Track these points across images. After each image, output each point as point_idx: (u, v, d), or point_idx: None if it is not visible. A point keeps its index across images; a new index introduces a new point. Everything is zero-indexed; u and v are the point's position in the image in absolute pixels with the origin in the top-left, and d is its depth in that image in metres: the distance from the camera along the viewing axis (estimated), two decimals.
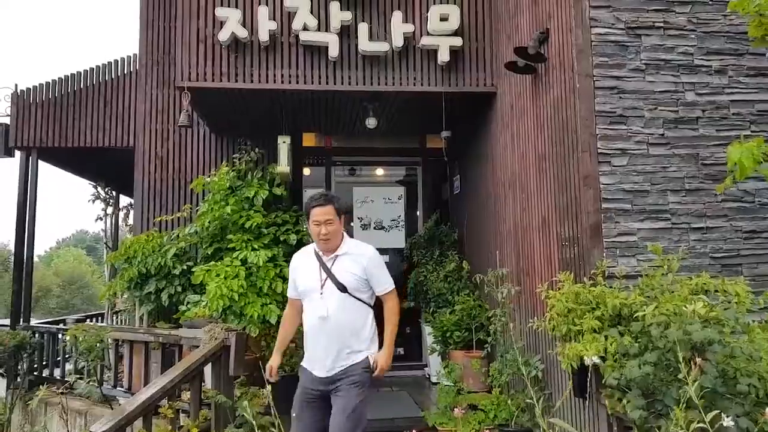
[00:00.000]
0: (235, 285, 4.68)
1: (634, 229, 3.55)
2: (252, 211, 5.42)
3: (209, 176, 5.75)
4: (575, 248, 3.65)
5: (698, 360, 1.77)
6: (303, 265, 3.12)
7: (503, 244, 5.05)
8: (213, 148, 6.59)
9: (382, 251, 6.89)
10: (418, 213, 6.99)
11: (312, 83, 5.05)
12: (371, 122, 5.71)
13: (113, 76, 6.98)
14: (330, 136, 6.85)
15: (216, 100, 5.40)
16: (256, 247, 5.16)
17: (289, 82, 5.03)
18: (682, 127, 3.69)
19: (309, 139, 6.87)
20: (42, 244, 53.07)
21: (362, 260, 3.02)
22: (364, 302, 3.04)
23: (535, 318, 3.74)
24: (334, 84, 5.06)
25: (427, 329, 6.03)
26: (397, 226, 6.86)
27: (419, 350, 6.54)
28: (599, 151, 3.58)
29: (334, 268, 3.00)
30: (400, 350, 6.70)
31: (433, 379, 6.00)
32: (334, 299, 2.97)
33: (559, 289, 3.31)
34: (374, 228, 6.82)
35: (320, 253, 3.04)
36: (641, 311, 2.70)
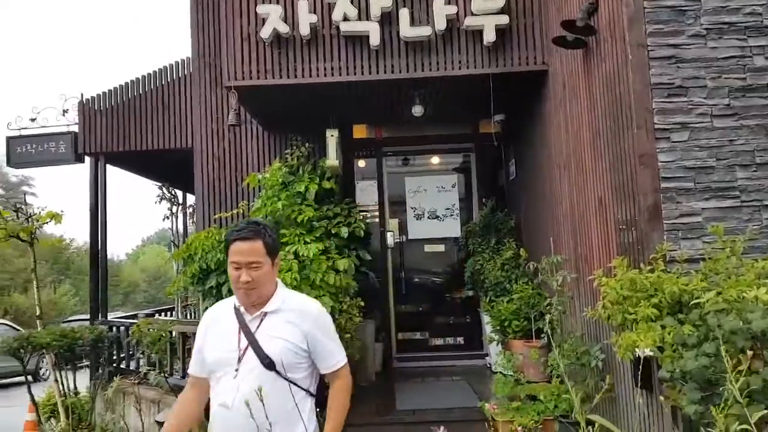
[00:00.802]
0: (288, 278, 4.73)
1: (697, 209, 3.30)
2: (303, 205, 5.46)
3: (262, 173, 5.85)
4: (633, 232, 3.44)
5: (750, 352, 1.61)
6: (215, 327, 2.19)
7: (560, 230, 4.86)
8: (265, 144, 6.70)
9: (437, 241, 6.93)
10: (472, 200, 6.85)
11: (354, 74, 5.02)
12: (417, 110, 5.62)
13: (169, 80, 7.22)
14: (379, 127, 6.81)
15: (262, 97, 5.47)
16: (308, 240, 5.20)
17: (332, 75, 5.02)
18: (750, 95, 3.38)
19: (359, 131, 6.85)
20: (129, 243, 56.14)
21: (303, 321, 2.12)
22: (299, 386, 2.09)
23: (589, 307, 3.57)
24: (377, 73, 5.00)
25: (485, 318, 5.92)
26: (451, 215, 6.75)
27: (479, 339, 6.44)
28: (656, 126, 3.35)
29: (259, 333, 2.10)
30: (460, 339, 6.62)
31: (494, 369, 5.89)
32: (252, 379, 2.00)
33: (614, 275, 3.13)
34: (428, 217, 6.74)
35: (241, 310, 2.14)
36: (701, 298, 2.51)
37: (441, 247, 6.75)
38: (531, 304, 5.17)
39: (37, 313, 6.32)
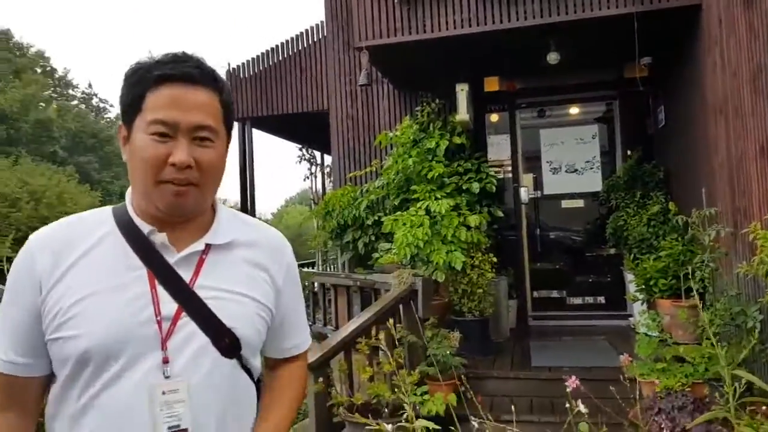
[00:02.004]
0: (420, 233, 4.83)
1: None
2: (434, 161, 5.49)
3: (393, 131, 5.95)
4: None
5: None
6: (81, 264, 1.08)
7: (714, 181, 4.43)
8: (396, 103, 6.78)
9: (575, 195, 6.62)
10: (615, 152, 6.42)
11: (485, 24, 4.87)
12: (553, 57, 5.33)
13: (306, 45, 7.52)
14: (512, 78, 6.57)
15: (393, 55, 5.51)
16: (438, 196, 5.24)
17: (462, 27, 4.92)
18: None
19: (490, 84, 6.67)
20: (274, 203, 60.20)
21: (274, 265, 1.23)
22: (252, 378, 1.22)
23: (744, 262, 3.25)
24: (508, 21, 4.81)
25: (628, 276, 5.61)
26: (591, 168, 6.39)
27: (621, 299, 6.13)
28: None
29: (201, 285, 1.12)
30: (601, 298, 6.35)
31: (637, 329, 5.60)
32: (200, 377, 1.08)
33: None
34: (566, 171, 6.44)
35: (154, 236, 1.11)
36: None
37: (580, 203, 6.44)
38: (680, 262, 4.81)
39: None
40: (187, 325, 1.08)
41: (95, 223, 1.13)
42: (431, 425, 2.19)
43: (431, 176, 5.36)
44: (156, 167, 1.05)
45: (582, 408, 1.83)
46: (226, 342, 1.10)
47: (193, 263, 1.12)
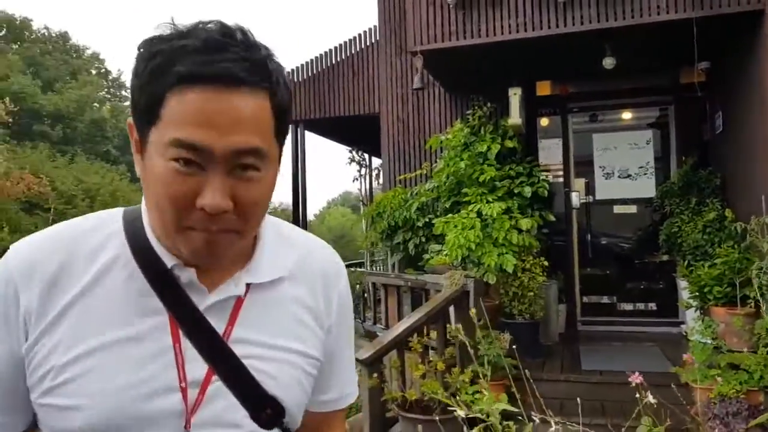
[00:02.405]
0: (471, 236, 4.90)
1: None
2: (485, 165, 5.56)
3: (444, 134, 6.04)
4: None
5: None
6: (81, 311, 0.78)
7: None
8: (447, 106, 6.86)
9: (627, 201, 6.57)
10: (670, 158, 6.34)
11: (540, 29, 4.91)
12: (609, 62, 5.33)
13: (359, 49, 7.68)
14: (565, 83, 6.57)
15: (446, 59, 5.60)
16: (490, 199, 5.30)
17: (517, 31, 4.97)
18: None
19: (543, 88, 6.69)
20: (316, 205, 61.03)
21: (326, 292, 0.94)
22: None
23: None
24: (564, 26, 4.84)
25: (681, 283, 5.54)
26: (645, 174, 6.33)
27: (674, 306, 6.05)
28: None
29: (239, 335, 0.82)
30: (652, 305, 6.28)
31: (690, 336, 5.52)
32: None
33: None
34: (618, 177, 6.40)
35: (182, 275, 0.81)
36: None
37: (632, 208, 6.39)
38: (736, 269, 4.74)
39: None
40: (220, 394, 0.80)
41: (99, 241, 0.82)
42: (504, 406, 2.25)
43: (483, 179, 5.42)
44: (179, 209, 0.74)
45: (651, 398, 1.88)
46: (268, 413, 0.83)
47: (228, 309, 0.83)
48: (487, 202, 5.24)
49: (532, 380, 3.05)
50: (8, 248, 0.82)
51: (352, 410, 4.22)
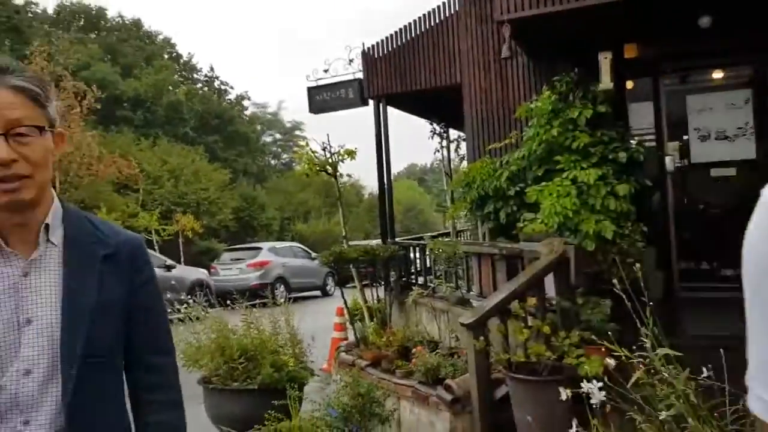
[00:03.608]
0: (568, 203, 4.94)
1: None
2: (577, 131, 5.53)
3: (531, 102, 6.03)
4: None
5: None
6: None
7: None
8: (531, 74, 6.82)
9: (726, 164, 6.33)
10: None
11: None
12: (705, 21, 5.15)
13: (439, 20, 7.70)
14: (656, 43, 6.37)
15: (533, 26, 5.56)
16: (584, 166, 5.29)
17: None
18: None
19: (631, 50, 6.50)
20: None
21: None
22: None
23: None
24: None
25: None
26: (744, 135, 6.10)
27: None
28: None
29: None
30: None
31: None
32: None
33: None
34: (715, 138, 6.19)
35: None
36: None
37: (731, 171, 6.19)
38: None
39: (343, 234, 7.60)
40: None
41: None
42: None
43: (575, 146, 5.41)
44: None
45: None
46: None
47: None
48: (581, 169, 5.24)
49: (635, 346, 3.12)
50: None
51: (458, 371, 4.43)
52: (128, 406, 1.35)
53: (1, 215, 1.18)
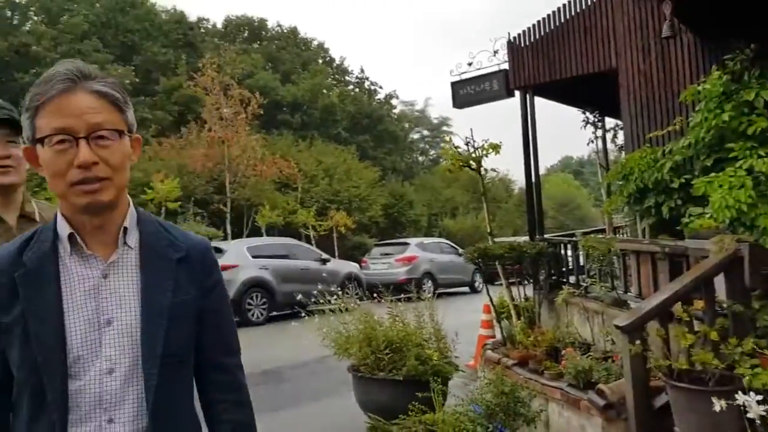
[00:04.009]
0: (742, 195, 4.40)
1: None
2: (753, 115, 4.91)
3: (698, 84, 5.46)
4: None
5: None
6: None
7: None
8: (696, 54, 6.19)
9: None
10: None
11: None
12: None
13: (590, 3, 7.26)
14: None
15: (699, 0, 5.03)
16: (762, 154, 4.69)
17: None
18: None
19: None
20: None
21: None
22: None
23: None
24: None
25: None
26: None
27: None
28: None
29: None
30: None
31: None
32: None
33: None
34: None
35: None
36: None
37: None
38: None
39: (488, 230, 7.48)
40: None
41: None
42: None
43: (751, 132, 4.80)
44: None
45: None
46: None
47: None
48: (758, 157, 4.64)
49: None
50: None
51: (611, 376, 4.16)
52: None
53: (81, 218, 1.22)
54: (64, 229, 1.23)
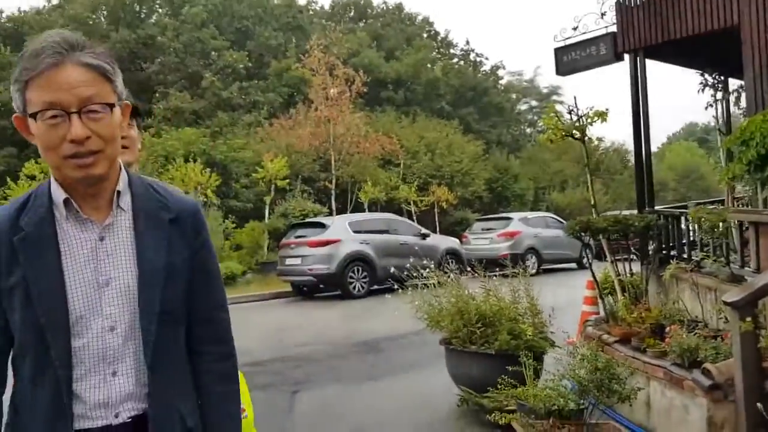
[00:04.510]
0: None
1: None
2: None
3: None
4: None
5: None
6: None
7: None
8: None
9: None
10: None
11: None
12: None
13: None
14: None
15: None
16: None
17: None
18: None
19: None
20: (653, 141, 55.92)
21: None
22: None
23: None
24: None
25: None
26: None
27: None
28: None
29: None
30: None
31: None
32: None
33: None
34: None
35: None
36: None
37: None
38: None
39: (592, 202, 7.14)
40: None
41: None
42: None
43: None
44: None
45: None
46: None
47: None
48: None
49: None
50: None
51: (720, 356, 3.87)
52: None
53: (74, 185, 1.26)
54: (59, 194, 1.28)
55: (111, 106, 1.24)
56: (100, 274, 1.27)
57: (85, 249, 1.28)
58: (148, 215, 1.33)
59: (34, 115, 1.20)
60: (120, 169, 1.33)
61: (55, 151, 1.21)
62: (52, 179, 1.29)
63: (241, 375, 2.19)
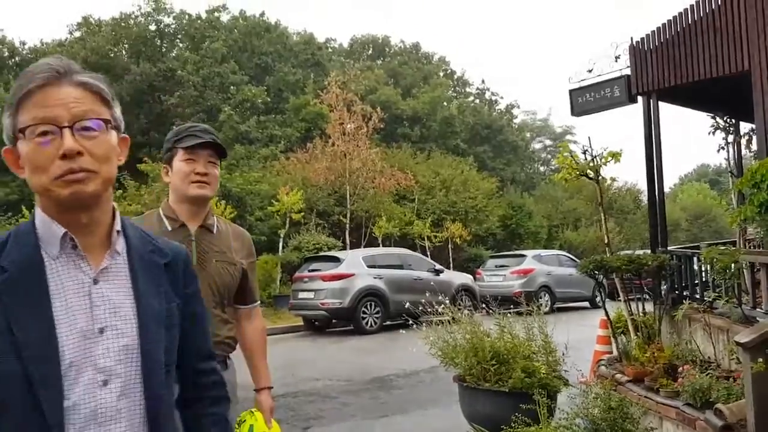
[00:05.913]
0: None
1: None
2: None
3: None
4: None
5: None
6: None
7: None
8: None
9: None
10: None
11: None
12: None
13: (720, 3, 6.80)
14: None
15: None
16: None
17: None
18: None
19: None
20: (666, 181, 55.77)
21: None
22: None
23: None
24: None
25: None
26: None
27: None
28: None
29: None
30: None
31: None
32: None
33: None
34: None
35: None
36: None
37: None
38: None
39: (605, 241, 7.21)
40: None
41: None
42: None
43: None
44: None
45: None
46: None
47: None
48: None
49: None
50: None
51: (732, 396, 3.88)
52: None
53: (64, 217, 1.14)
54: (54, 229, 1.15)
55: (107, 123, 1.16)
56: (96, 321, 1.14)
57: (79, 293, 1.14)
58: (142, 258, 1.23)
59: (23, 131, 1.11)
60: (115, 210, 1.24)
61: (45, 172, 1.10)
62: (38, 215, 1.16)
63: (275, 423, 2.26)
